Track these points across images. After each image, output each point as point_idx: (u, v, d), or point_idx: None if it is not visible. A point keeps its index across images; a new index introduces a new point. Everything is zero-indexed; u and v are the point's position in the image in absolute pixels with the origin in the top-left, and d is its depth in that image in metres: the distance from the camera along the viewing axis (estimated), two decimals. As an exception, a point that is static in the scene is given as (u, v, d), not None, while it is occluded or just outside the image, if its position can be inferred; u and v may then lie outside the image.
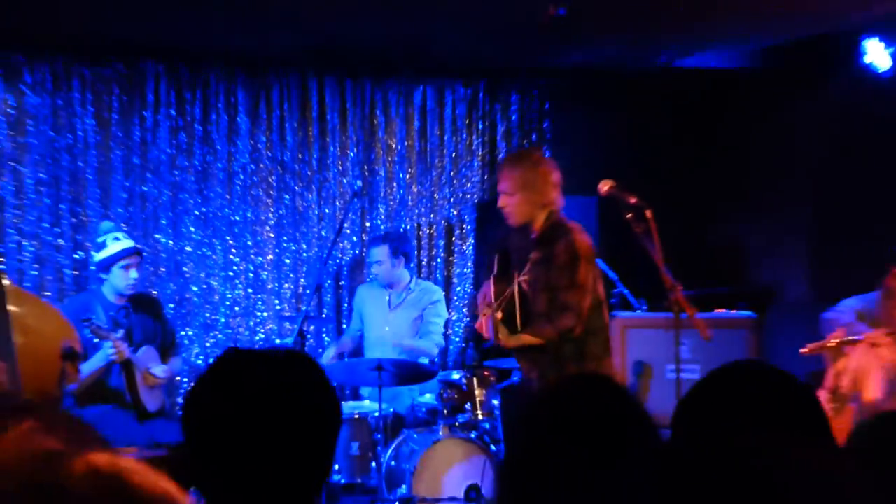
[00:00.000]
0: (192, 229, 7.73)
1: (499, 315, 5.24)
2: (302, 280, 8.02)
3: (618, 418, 2.11)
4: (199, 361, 7.60)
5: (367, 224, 8.21)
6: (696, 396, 2.15)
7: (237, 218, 7.84)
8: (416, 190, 8.33)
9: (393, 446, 6.22)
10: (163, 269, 7.64)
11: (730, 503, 0.78)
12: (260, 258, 7.91)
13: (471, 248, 8.40)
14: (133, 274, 6.29)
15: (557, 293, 5.22)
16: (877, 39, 7.00)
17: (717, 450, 0.83)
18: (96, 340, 5.90)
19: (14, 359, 4.54)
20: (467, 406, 6.14)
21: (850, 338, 5.22)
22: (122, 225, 7.22)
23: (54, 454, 0.85)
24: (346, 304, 8.01)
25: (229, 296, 7.82)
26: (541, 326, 5.22)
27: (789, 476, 0.79)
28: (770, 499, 0.78)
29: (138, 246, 6.56)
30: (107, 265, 6.28)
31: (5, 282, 4.68)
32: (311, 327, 7.77)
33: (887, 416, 1.64)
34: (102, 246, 6.33)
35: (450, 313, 8.01)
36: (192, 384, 2.12)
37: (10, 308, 4.55)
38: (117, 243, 6.30)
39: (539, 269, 5.28)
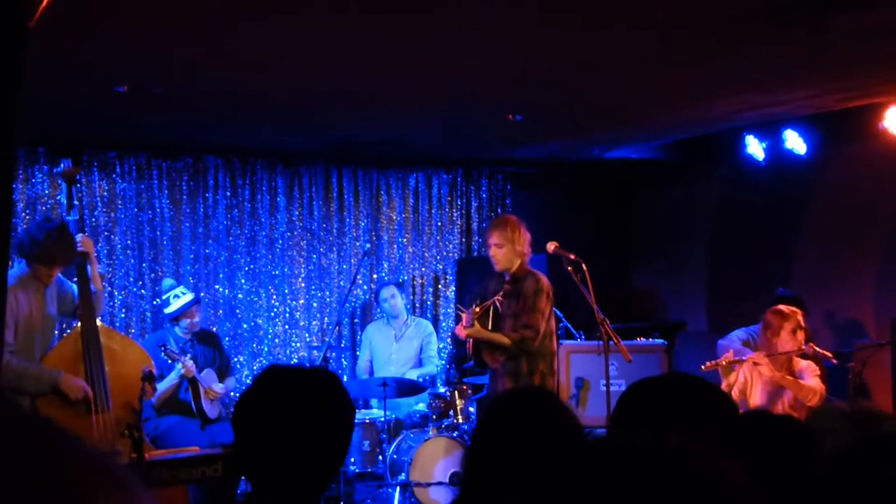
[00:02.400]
0: (243, 281, 7.67)
1: (477, 310, 5.29)
2: (326, 319, 7.95)
3: (550, 420, 2.12)
4: (249, 381, 7.48)
5: (375, 276, 8.17)
6: (624, 400, 2.06)
7: (277, 272, 7.79)
8: (411, 251, 8.32)
9: (395, 443, 6.15)
10: (221, 312, 7.58)
11: (639, 487, 0.76)
12: (294, 302, 7.85)
13: (452, 293, 8.37)
14: (195, 319, 6.24)
15: (522, 316, 5.25)
16: (753, 136, 7.06)
17: (631, 443, 0.82)
18: (170, 362, 5.86)
19: (106, 380, 4.51)
20: (451, 413, 6.08)
21: (738, 358, 5.21)
22: (190, 279, 7.21)
23: None
24: (359, 337, 7.95)
25: (271, 331, 7.76)
26: (507, 332, 5.27)
27: (680, 466, 0.79)
28: (661, 483, 0.77)
29: (195, 296, 6.42)
30: (173, 318, 6.23)
31: (98, 322, 4.66)
32: (333, 354, 7.73)
33: (750, 413, 1.66)
34: (167, 303, 6.25)
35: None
36: (243, 391, 2.06)
37: (102, 341, 4.53)
38: (178, 300, 6.21)
39: (510, 300, 5.32)
